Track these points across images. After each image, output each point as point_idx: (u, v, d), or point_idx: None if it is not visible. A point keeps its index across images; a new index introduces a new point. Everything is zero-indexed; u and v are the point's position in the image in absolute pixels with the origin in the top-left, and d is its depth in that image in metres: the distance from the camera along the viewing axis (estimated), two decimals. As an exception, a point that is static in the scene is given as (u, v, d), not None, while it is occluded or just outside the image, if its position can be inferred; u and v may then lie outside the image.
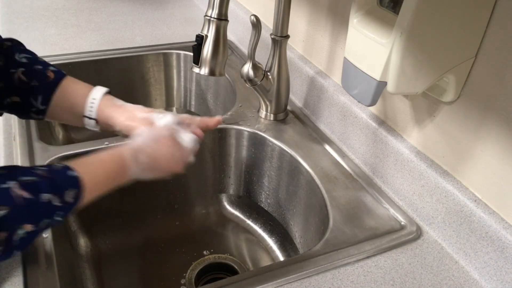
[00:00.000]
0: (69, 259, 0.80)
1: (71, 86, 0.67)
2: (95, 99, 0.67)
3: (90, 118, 0.67)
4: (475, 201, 0.62)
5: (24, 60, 0.65)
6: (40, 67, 0.66)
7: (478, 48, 0.58)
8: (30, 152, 0.78)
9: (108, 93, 0.69)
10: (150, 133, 0.64)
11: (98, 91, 0.68)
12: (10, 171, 0.50)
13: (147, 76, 1.19)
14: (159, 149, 0.64)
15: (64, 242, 0.79)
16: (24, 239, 0.48)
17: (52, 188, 0.50)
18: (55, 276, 0.58)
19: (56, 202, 0.50)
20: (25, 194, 0.47)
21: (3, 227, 0.46)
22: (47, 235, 0.63)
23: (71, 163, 0.55)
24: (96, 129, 0.69)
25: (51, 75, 0.66)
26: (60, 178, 0.52)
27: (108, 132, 0.70)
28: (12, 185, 0.47)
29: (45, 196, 0.49)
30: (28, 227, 0.48)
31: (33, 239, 0.50)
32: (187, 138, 0.67)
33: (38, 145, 0.79)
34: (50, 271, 0.59)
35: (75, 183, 0.53)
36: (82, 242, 0.87)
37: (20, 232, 0.47)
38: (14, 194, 0.47)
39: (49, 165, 0.54)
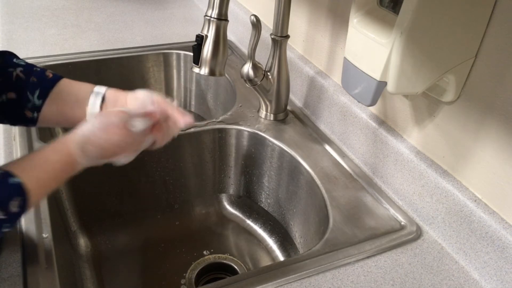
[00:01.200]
0: (69, 259, 0.80)
1: (71, 83, 0.66)
2: (101, 91, 0.66)
3: (98, 93, 0.65)
4: (475, 201, 0.62)
5: (22, 63, 0.65)
6: (38, 69, 0.66)
7: (478, 48, 0.58)
8: (30, 152, 0.78)
9: None
10: (98, 121, 0.59)
11: (102, 87, 0.67)
12: None
13: (147, 76, 1.19)
14: (107, 138, 0.59)
15: (64, 242, 0.80)
16: None
17: None
18: (55, 276, 0.58)
19: (1, 215, 0.48)
20: None
21: None
22: (47, 235, 0.63)
23: (13, 167, 0.52)
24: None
25: (49, 74, 0.65)
26: (2, 189, 0.49)
27: None
28: None
29: None
30: None
31: None
32: (140, 124, 0.61)
33: (38, 145, 0.79)
34: (50, 271, 0.59)
35: (18, 191, 0.50)
36: (82, 242, 0.87)
37: None
38: None
39: None
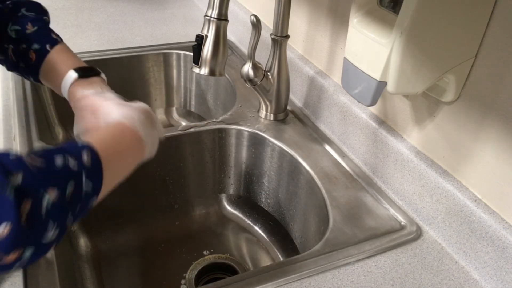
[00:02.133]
0: (69, 259, 0.80)
1: (51, 67, 0.66)
2: (71, 76, 0.66)
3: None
4: (475, 201, 0.62)
5: (13, 35, 0.64)
6: (24, 46, 0.64)
7: (478, 48, 0.58)
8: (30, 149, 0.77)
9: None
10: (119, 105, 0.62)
11: (69, 77, 0.66)
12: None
13: (147, 76, 1.19)
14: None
15: (64, 242, 0.80)
16: (53, 208, 0.42)
17: (63, 151, 0.46)
18: (55, 276, 0.58)
19: (72, 162, 0.45)
20: (37, 160, 0.43)
21: (23, 194, 0.39)
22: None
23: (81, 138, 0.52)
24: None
25: (32, 56, 0.64)
26: (70, 145, 0.48)
27: None
28: (22, 155, 0.42)
29: (59, 158, 0.44)
30: (53, 193, 0.42)
31: (64, 209, 0.44)
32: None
33: (38, 145, 0.79)
34: (50, 271, 0.59)
35: (87, 147, 0.49)
36: (82, 242, 0.87)
37: (46, 197, 0.41)
38: (26, 160, 0.42)
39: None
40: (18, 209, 0.39)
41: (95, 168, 0.49)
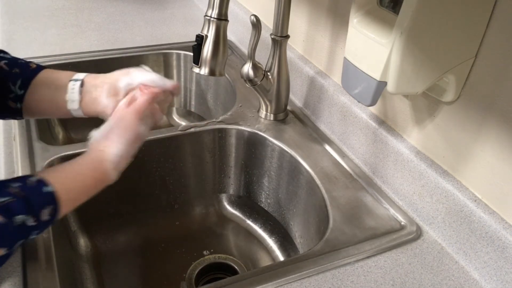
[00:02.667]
0: (69, 259, 0.80)
1: (53, 71, 0.66)
2: (79, 78, 0.65)
3: (76, 80, 0.65)
4: (475, 201, 0.62)
5: (8, 57, 0.66)
6: (23, 61, 0.66)
7: (478, 48, 0.58)
8: (30, 152, 0.78)
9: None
10: (125, 134, 0.61)
11: (81, 74, 0.67)
12: None
13: (147, 76, 1.19)
14: (135, 147, 0.62)
15: (64, 242, 0.80)
16: None
17: (26, 209, 0.48)
18: (55, 276, 0.58)
19: (31, 222, 0.48)
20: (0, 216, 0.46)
21: None
22: (47, 235, 0.63)
23: (47, 175, 0.53)
24: (79, 113, 0.66)
25: (33, 65, 0.66)
26: (35, 196, 0.50)
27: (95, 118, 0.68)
28: None
29: (19, 218, 0.47)
30: (1, 251, 0.47)
31: (4, 261, 0.49)
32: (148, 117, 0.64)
33: (38, 145, 0.79)
34: (50, 271, 0.59)
35: (51, 199, 0.51)
36: (82, 242, 0.87)
37: None
38: None
39: (23, 179, 0.51)
40: None
41: (50, 221, 0.52)
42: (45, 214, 0.50)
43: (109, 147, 0.59)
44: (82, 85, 0.65)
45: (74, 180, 0.57)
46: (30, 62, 0.67)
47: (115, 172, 0.60)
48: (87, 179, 0.58)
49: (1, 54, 0.66)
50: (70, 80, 0.65)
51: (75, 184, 0.56)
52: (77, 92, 0.64)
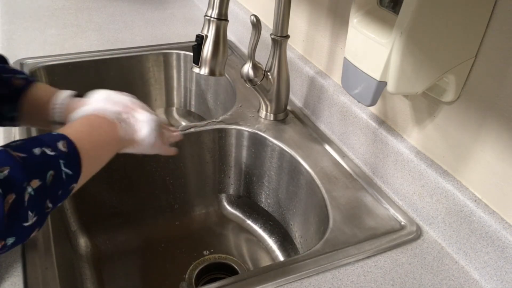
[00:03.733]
0: (69, 259, 0.80)
1: (38, 90, 0.66)
2: (62, 100, 0.65)
3: (56, 122, 0.65)
4: (475, 201, 0.62)
5: None
6: (8, 75, 0.65)
7: (478, 48, 0.58)
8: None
9: (78, 96, 0.68)
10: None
11: (64, 93, 0.66)
12: None
13: (147, 76, 1.19)
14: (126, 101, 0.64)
15: (64, 242, 0.80)
16: (34, 199, 0.45)
17: (40, 142, 0.49)
18: (55, 276, 0.58)
19: (49, 151, 0.49)
20: (19, 153, 0.46)
21: (9, 187, 0.43)
22: (47, 235, 0.63)
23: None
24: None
25: (17, 82, 0.65)
26: (45, 136, 0.51)
27: None
28: (5, 148, 0.46)
29: (37, 150, 0.48)
30: (35, 182, 0.45)
31: (44, 198, 0.47)
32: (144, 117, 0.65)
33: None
34: (50, 271, 0.59)
35: (61, 136, 0.52)
36: (82, 242, 0.87)
37: (29, 189, 0.45)
38: (11, 154, 0.45)
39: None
40: (2, 203, 0.42)
41: (73, 156, 0.51)
42: (60, 145, 0.50)
43: (103, 112, 0.61)
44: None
45: (80, 124, 0.58)
46: (15, 75, 0.65)
47: (122, 128, 0.60)
48: (91, 120, 0.59)
49: None
50: (57, 92, 0.66)
51: (81, 125, 0.57)
52: (58, 110, 0.65)
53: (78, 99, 0.66)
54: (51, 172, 0.48)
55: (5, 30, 1.18)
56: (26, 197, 0.44)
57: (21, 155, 0.46)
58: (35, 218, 0.46)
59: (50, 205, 0.48)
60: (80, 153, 0.52)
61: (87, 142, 0.55)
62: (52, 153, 0.49)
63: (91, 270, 0.83)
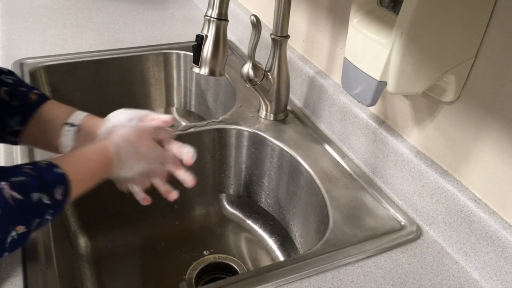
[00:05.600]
0: (69, 259, 0.80)
1: (52, 108, 0.66)
2: (75, 122, 0.65)
3: (72, 125, 0.65)
4: (475, 201, 0.62)
5: (9, 81, 0.64)
6: (24, 89, 0.65)
7: (478, 48, 0.58)
8: (30, 152, 0.78)
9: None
10: (134, 128, 0.64)
11: (80, 113, 0.66)
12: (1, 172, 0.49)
13: (147, 76, 1.19)
14: (139, 145, 0.63)
15: (64, 242, 0.80)
16: (15, 241, 0.48)
17: (41, 187, 0.49)
18: (55, 276, 0.58)
19: (46, 200, 0.50)
20: (16, 195, 0.47)
21: None
22: (47, 235, 0.63)
23: (56, 160, 0.54)
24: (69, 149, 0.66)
25: (33, 97, 0.65)
26: (48, 176, 0.51)
27: None
28: (3, 185, 0.46)
29: (35, 196, 0.49)
30: (20, 229, 0.47)
31: (23, 241, 0.49)
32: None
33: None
34: (50, 271, 0.59)
35: (62, 180, 0.52)
36: (82, 242, 0.87)
37: (13, 233, 0.47)
38: (6, 195, 0.46)
39: (33, 163, 0.52)
40: None
41: (62, 204, 0.53)
42: (58, 193, 0.51)
43: (113, 136, 0.62)
44: (77, 131, 0.65)
45: (81, 164, 0.58)
46: (31, 90, 0.65)
47: (118, 157, 0.60)
48: (94, 162, 0.59)
49: (6, 76, 0.65)
50: (65, 124, 0.65)
51: (82, 166, 0.57)
52: (70, 138, 0.65)
53: (96, 120, 0.66)
54: (37, 221, 0.50)
55: (5, 30, 1.18)
56: (9, 240, 0.47)
57: (18, 196, 0.47)
58: (6, 253, 0.49)
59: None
60: (70, 196, 0.53)
61: (81, 184, 0.56)
62: (48, 202, 0.50)
63: (91, 270, 0.83)
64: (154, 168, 0.65)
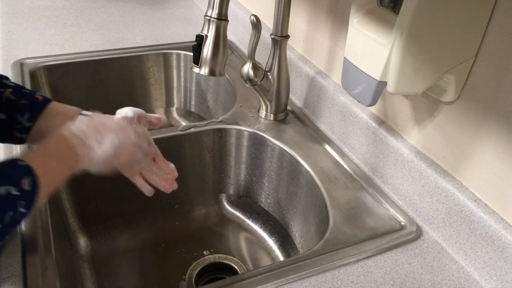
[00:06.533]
0: (69, 259, 0.80)
1: (60, 105, 0.67)
2: (88, 113, 0.66)
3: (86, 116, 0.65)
4: (475, 201, 0.62)
5: (12, 84, 0.66)
6: (27, 91, 0.66)
7: (478, 48, 0.58)
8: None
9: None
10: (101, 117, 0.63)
11: (86, 112, 0.67)
12: None
13: (147, 76, 1.19)
14: (126, 136, 0.62)
15: (64, 242, 0.80)
16: None
17: (5, 180, 0.49)
18: (55, 276, 0.58)
19: (14, 191, 0.49)
20: None
21: None
22: (47, 235, 0.63)
23: (19, 156, 0.54)
24: None
25: (39, 97, 0.66)
26: (11, 169, 0.51)
27: None
28: None
29: (2, 189, 0.48)
30: None
31: (2, 237, 0.49)
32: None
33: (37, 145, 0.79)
34: (50, 271, 0.59)
35: (27, 171, 0.52)
36: (82, 242, 0.87)
37: None
38: None
39: None
40: None
41: (32, 194, 0.52)
42: (25, 184, 0.51)
43: (72, 126, 0.60)
44: None
45: (42, 153, 0.57)
46: (34, 92, 0.67)
47: (83, 146, 0.58)
48: (54, 150, 0.58)
49: (4, 81, 0.66)
50: (80, 114, 0.66)
51: (46, 158, 0.56)
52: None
53: (107, 115, 0.66)
54: (10, 214, 0.49)
55: (5, 30, 1.18)
56: None
57: None
58: None
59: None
60: (40, 189, 0.52)
61: (49, 175, 0.55)
62: (16, 193, 0.49)
63: (91, 270, 0.83)
64: (130, 141, 0.63)
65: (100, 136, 0.60)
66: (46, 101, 0.66)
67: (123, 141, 0.62)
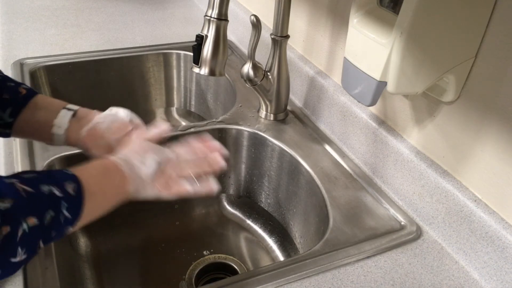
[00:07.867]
0: (69, 259, 0.80)
1: (45, 98, 0.67)
2: (73, 108, 0.65)
3: (70, 110, 0.65)
4: (475, 201, 0.62)
5: None
6: (12, 84, 0.65)
7: (478, 48, 0.58)
8: (30, 152, 0.78)
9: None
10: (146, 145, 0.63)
11: (75, 106, 0.67)
12: (12, 175, 0.49)
13: (147, 76, 1.19)
14: (161, 151, 0.62)
15: (64, 242, 0.80)
16: (27, 236, 0.45)
17: (51, 180, 0.49)
18: (55, 276, 0.58)
19: (57, 192, 0.48)
20: (26, 188, 0.46)
21: (6, 220, 0.43)
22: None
23: (68, 168, 0.54)
24: (60, 139, 0.66)
25: (23, 91, 0.65)
26: (58, 174, 0.51)
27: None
28: (14, 181, 0.46)
29: (45, 188, 0.48)
30: (32, 220, 0.45)
31: (37, 237, 0.46)
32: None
33: (38, 145, 0.79)
34: (50, 271, 0.59)
35: (73, 178, 0.51)
36: (82, 242, 0.87)
37: (24, 226, 0.44)
38: (17, 187, 0.45)
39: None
40: None
41: (77, 201, 0.51)
42: (69, 187, 0.50)
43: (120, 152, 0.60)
44: (74, 115, 0.65)
45: (90, 168, 0.56)
46: (19, 85, 0.66)
47: (129, 168, 0.58)
48: (100, 169, 0.57)
49: None
50: (64, 108, 0.65)
51: (92, 171, 0.56)
52: (67, 120, 0.64)
53: (92, 110, 0.66)
54: (50, 213, 0.47)
55: (5, 30, 1.18)
56: (20, 233, 0.44)
57: (28, 189, 0.46)
58: (24, 256, 0.45)
59: (41, 244, 0.48)
60: (85, 200, 0.51)
61: (96, 189, 0.54)
62: (59, 194, 0.48)
63: (91, 270, 0.83)
64: (168, 154, 0.63)
65: (141, 157, 0.60)
66: (29, 95, 0.65)
67: (162, 155, 0.62)
